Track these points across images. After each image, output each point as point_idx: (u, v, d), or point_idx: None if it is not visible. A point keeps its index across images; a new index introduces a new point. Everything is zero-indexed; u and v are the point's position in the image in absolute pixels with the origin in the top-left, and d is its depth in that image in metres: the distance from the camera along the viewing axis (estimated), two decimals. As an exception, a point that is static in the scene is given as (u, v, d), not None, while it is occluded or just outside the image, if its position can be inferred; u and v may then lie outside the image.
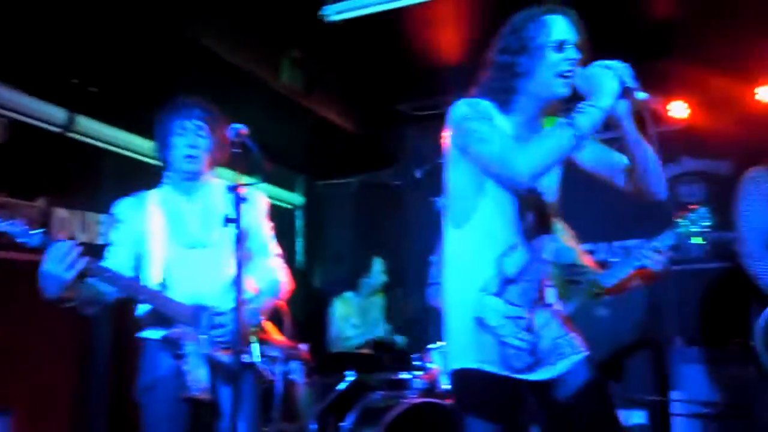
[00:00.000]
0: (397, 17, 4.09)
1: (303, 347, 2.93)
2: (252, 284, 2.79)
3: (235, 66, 4.19)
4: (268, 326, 2.81)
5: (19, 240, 2.30)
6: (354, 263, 5.70)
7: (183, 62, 4.04)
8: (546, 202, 2.17)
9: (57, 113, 4.06)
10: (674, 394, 4.25)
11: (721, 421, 4.03)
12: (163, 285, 2.61)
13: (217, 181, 2.80)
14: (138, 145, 4.49)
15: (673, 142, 5.17)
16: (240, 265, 2.16)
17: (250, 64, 4.30)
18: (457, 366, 2.07)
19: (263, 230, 2.88)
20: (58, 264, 2.31)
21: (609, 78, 1.93)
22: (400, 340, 5.34)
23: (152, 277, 2.62)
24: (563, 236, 3.25)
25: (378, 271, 5.36)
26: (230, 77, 4.29)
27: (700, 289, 5.08)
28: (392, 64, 4.92)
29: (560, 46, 2.02)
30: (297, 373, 2.85)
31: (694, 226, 2.91)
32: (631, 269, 3.01)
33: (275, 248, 2.92)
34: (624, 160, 2.14)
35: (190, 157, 2.66)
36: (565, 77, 2.02)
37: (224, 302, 2.61)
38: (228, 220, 2.23)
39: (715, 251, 5.01)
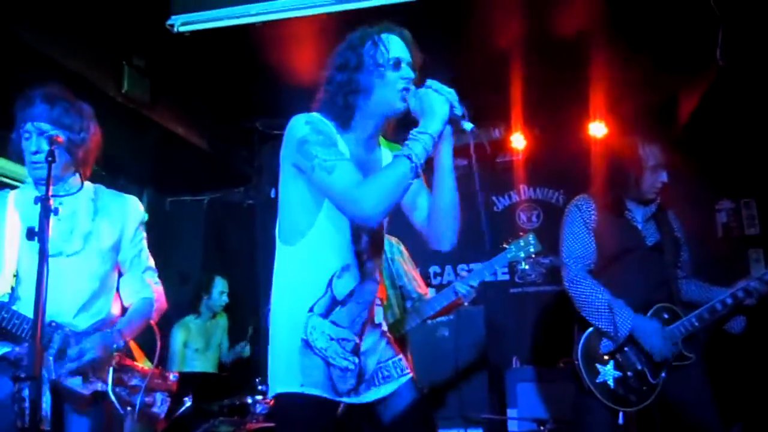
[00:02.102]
0: (251, 33, 4.02)
1: (172, 377, 2.70)
2: (120, 301, 2.60)
3: (72, 72, 3.93)
4: (134, 349, 2.60)
5: None
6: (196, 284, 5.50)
7: (18, 67, 3.74)
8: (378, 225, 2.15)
9: None
10: (510, 412, 4.41)
11: (551, 437, 4.24)
12: (12, 296, 2.36)
13: (87, 185, 2.56)
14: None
15: (513, 172, 5.49)
16: (40, 286, 1.95)
17: (89, 70, 4.06)
18: (280, 390, 2.00)
19: (137, 242, 2.66)
20: None
21: (440, 103, 1.96)
22: (244, 349, 5.17)
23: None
24: (401, 259, 3.32)
25: (218, 291, 5.19)
26: (68, 84, 4.01)
27: (536, 311, 5.38)
28: (247, 80, 4.84)
29: (397, 65, 2.04)
30: (159, 405, 2.61)
31: (522, 252, 3.08)
32: (448, 300, 3.17)
33: (148, 261, 2.72)
34: (426, 201, 2.15)
35: (33, 163, 2.42)
36: (402, 95, 2.04)
37: (81, 321, 2.43)
38: (30, 234, 2.01)
39: (550, 275, 5.35)
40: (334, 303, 2.02)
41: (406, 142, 1.95)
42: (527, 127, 5.31)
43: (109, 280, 2.59)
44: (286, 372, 1.99)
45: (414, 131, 1.96)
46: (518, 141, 5.34)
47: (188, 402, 3.88)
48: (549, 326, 5.14)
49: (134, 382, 2.52)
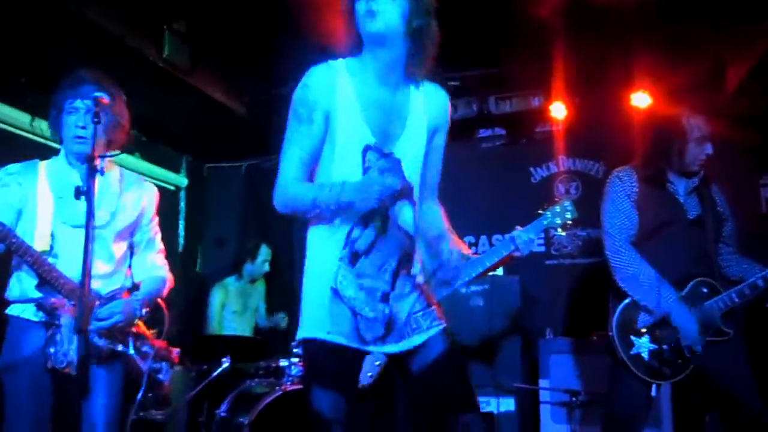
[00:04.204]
0: (291, -2, 4.00)
1: (175, 351, 2.92)
2: (131, 277, 2.78)
3: (114, 37, 3.98)
4: (140, 323, 2.77)
5: None
6: (238, 249, 5.58)
7: (60, 32, 3.81)
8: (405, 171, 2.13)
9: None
10: (542, 383, 4.42)
11: (583, 409, 4.23)
12: (48, 254, 2.51)
13: (115, 167, 2.75)
14: (2, 113, 4.20)
15: (552, 142, 5.40)
16: (89, 241, 2.08)
17: (131, 35, 4.10)
18: (306, 335, 2.06)
19: (152, 226, 2.87)
20: None
21: (367, 187, 1.99)
22: (282, 320, 5.27)
23: (36, 245, 2.50)
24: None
25: (262, 260, 5.28)
26: (109, 49, 4.08)
27: (571, 283, 5.34)
28: (285, 46, 4.82)
29: None
30: (164, 373, 2.84)
31: (558, 218, 3.03)
32: (499, 256, 3.09)
33: (159, 243, 2.92)
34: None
35: (78, 137, 2.58)
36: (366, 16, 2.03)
37: (102, 288, 2.61)
38: (78, 193, 2.13)
39: (587, 247, 5.29)
40: (356, 255, 2.06)
41: (329, 183, 2.03)
42: (568, 96, 5.21)
43: (123, 258, 2.76)
44: (315, 318, 2.05)
45: (334, 184, 2.02)
46: (558, 111, 5.24)
47: (226, 363, 3.99)
48: (584, 299, 5.09)
49: (145, 348, 2.74)
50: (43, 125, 4.47)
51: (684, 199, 3.21)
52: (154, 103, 4.77)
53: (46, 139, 4.47)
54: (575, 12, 4.24)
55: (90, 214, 2.07)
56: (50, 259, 2.49)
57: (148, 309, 2.73)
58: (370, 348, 2.06)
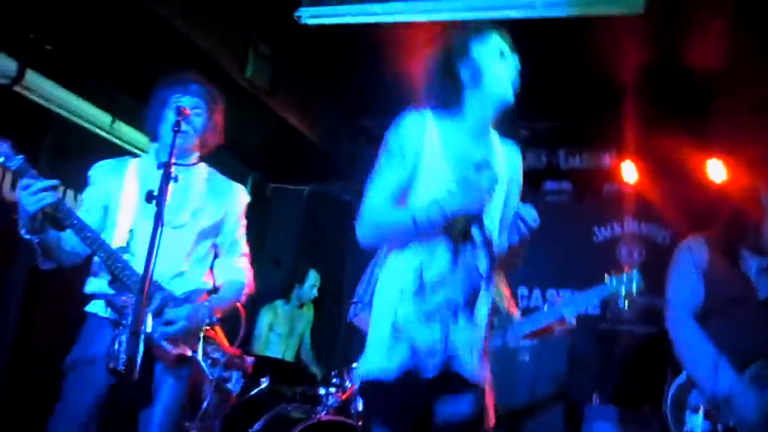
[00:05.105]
0: (373, 32, 4.07)
1: (249, 360, 2.81)
2: (212, 280, 2.74)
3: (201, 51, 4.11)
4: (216, 328, 2.71)
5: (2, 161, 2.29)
6: (291, 272, 5.62)
7: (146, 36, 3.95)
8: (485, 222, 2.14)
9: (8, 65, 3.94)
10: (584, 450, 4.26)
11: (625, 482, 4.06)
12: (124, 250, 2.52)
13: (202, 166, 2.74)
14: (86, 112, 4.37)
15: (619, 203, 5.28)
16: (155, 244, 2.07)
17: (217, 50, 4.23)
18: (365, 375, 2.08)
19: (237, 228, 2.82)
20: (28, 194, 2.26)
21: (472, 184, 2.02)
22: (318, 371, 5.25)
23: (114, 241, 2.53)
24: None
25: (310, 284, 5.29)
26: (195, 61, 4.20)
27: (625, 350, 5.16)
28: (363, 78, 4.90)
29: (501, 54, 2.15)
30: (234, 383, 2.72)
31: (623, 287, 2.94)
32: (545, 322, 3.08)
33: (244, 247, 2.87)
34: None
35: (182, 132, 2.53)
36: (514, 85, 2.13)
37: (175, 287, 2.56)
38: (149, 197, 2.13)
39: (644, 315, 5.11)
40: (423, 289, 2.05)
41: (427, 205, 2.02)
42: (640, 157, 5.10)
43: (205, 258, 2.72)
44: (375, 357, 2.06)
45: (433, 204, 2.01)
46: (629, 171, 5.13)
47: (265, 383, 3.98)
48: (637, 368, 4.91)
49: (216, 355, 2.63)
50: (122, 128, 4.66)
51: (756, 278, 3.07)
52: (230, 119, 4.89)
53: (123, 141, 4.68)
54: (654, 72, 4.17)
55: (159, 218, 2.08)
56: (125, 256, 2.49)
57: (219, 315, 2.66)
58: (425, 376, 2.02)
